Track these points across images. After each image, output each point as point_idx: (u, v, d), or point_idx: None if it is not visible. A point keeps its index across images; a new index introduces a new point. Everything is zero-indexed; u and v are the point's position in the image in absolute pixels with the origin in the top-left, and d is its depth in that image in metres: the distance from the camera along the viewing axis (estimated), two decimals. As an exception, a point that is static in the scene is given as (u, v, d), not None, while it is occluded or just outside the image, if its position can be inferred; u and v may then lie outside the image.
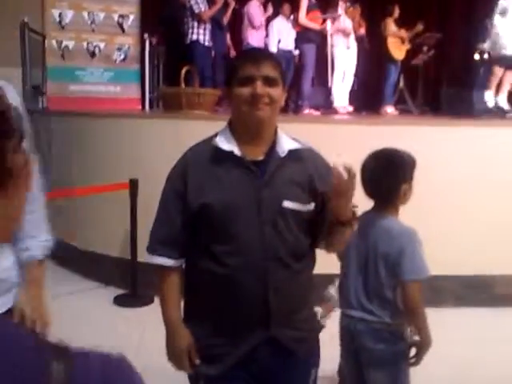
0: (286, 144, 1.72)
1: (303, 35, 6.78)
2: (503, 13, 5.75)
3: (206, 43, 7.07)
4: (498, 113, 5.78)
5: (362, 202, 2.17)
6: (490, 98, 5.96)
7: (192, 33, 6.96)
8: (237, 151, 1.67)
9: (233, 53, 8.17)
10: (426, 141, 4.40)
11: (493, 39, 5.87)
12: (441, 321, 3.87)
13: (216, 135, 1.74)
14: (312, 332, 1.85)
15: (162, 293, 1.78)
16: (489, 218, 4.40)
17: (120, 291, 4.53)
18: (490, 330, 3.89)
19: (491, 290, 4.42)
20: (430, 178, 4.26)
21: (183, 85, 4.72)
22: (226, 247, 1.67)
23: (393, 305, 2.10)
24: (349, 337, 2.20)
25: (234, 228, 1.66)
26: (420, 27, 7.73)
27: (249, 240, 1.65)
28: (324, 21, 7.10)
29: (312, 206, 1.71)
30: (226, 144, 1.69)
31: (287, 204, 1.67)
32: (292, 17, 7.24)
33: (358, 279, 2.17)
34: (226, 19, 7.57)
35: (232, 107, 1.72)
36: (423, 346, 2.08)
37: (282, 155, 1.69)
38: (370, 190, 2.13)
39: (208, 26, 7.05)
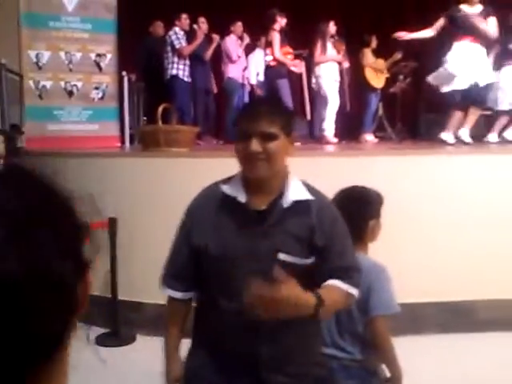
0: (293, 194, 1.70)
1: (277, 70, 6.87)
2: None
3: (186, 79, 7.15)
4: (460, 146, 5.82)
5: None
6: (449, 137, 5.98)
7: (172, 68, 7.04)
8: (241, 198, 1.69)
9: (215, 88, 8.24)
10: (404, 170, 4.47)
11: (442, 76, 5.87)
12: (422, 348, 3.91)
13: (227, 180, 1.77)
14: (311, 379, 1.81)
15: (166, 323, 1.87)
16: (468, 243, 4.43)
17: (101, 330, 4.48)
18: (472, 356, 3.89)
19: (473, 316, 4.43)
20: (409, 207, 4.32)
21: (160, 122, 4.75)
22: (221, 291, 1.70)
23: (364, 341, 2.11)
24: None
25: (228, 275, 1.68)
26: (398, 56, 7.89)
27: (242, 288, 1.62)
28: (295, 56, 7.23)
29: (311, 259, 1.70)
30: (233, 190, 1.71)
31: (283, 257, 1.66)
32: (266, 51, 7.33)
33: (330, 316, 2.17)
34: (208, 54, 7.67)
35: None
36: (395, 381, 2.09)
37: (285, 206, 1.69)
38: (338, 228, 2.15)
39: (187, 62, 7.14)
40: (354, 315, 2.11)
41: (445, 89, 5.84)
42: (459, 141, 5.90)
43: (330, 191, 2.23)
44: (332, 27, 7.26)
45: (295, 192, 1.71)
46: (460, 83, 5.72)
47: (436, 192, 4.46)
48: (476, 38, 5.73)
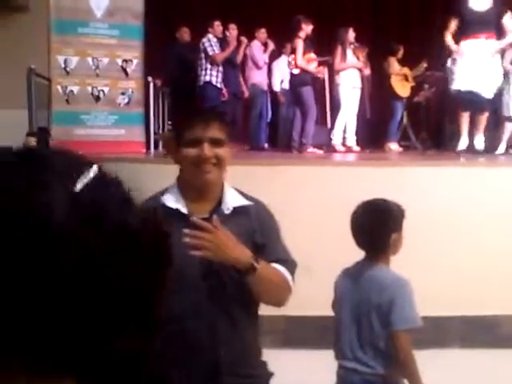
0: (232, 201, 1.76)
1: (301, 77, 6.86)
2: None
3: (218, 85, 7.22)
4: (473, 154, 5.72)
5: (353, 252, 2.21)
6: (463, 141, 5.89)
7: (205, 74, 7.11)
8: (183, 209, 1.72)
9: (245, 92, 8.20)
10: (428, 181, 4.43)
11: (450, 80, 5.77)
12: (444, 363, 3.85)
13: (164, 191, 1.79)
14: (261, 378, 1.85)
15: None
16: (493, 257, 4.37)
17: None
18: (495, 373, 3.81)
19: (496, 331, 4.36)
20: (432, 218, 4.28)
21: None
22: (174, 304, 1.68)
23: (386, 355, 2.09)
24: (344, 388, 2.18)
25: (178, 286, 1.67)
26: (423, 65, 7.82)
27: (195, 297, 1.68)
28: (319, 63, 7.21)
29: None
30: (173, 201, 1.73)
31: None
32: (289, 58, 7.33)
33: (351, 329, 2.17)
34: (239, 57, 7.73)
35: (180, 166, 1.78)
36: (417, 397, 2.07)
37: (227, 212, 1.74)
38: (360, 241, 2.16)
39: (220, 69, 7.20)
40: (375, 329, 2.10)
41: (454, 86, 5.73)
42: (474, 150, 5.80)
43: (354, 200, 2.24)
44: (351, 34, 7.24)
45: (233, 198, 1.77)
46: (465, 84, 5.60)
47: (459, 204, 4.41)
48: (487, 35, 5.54)
